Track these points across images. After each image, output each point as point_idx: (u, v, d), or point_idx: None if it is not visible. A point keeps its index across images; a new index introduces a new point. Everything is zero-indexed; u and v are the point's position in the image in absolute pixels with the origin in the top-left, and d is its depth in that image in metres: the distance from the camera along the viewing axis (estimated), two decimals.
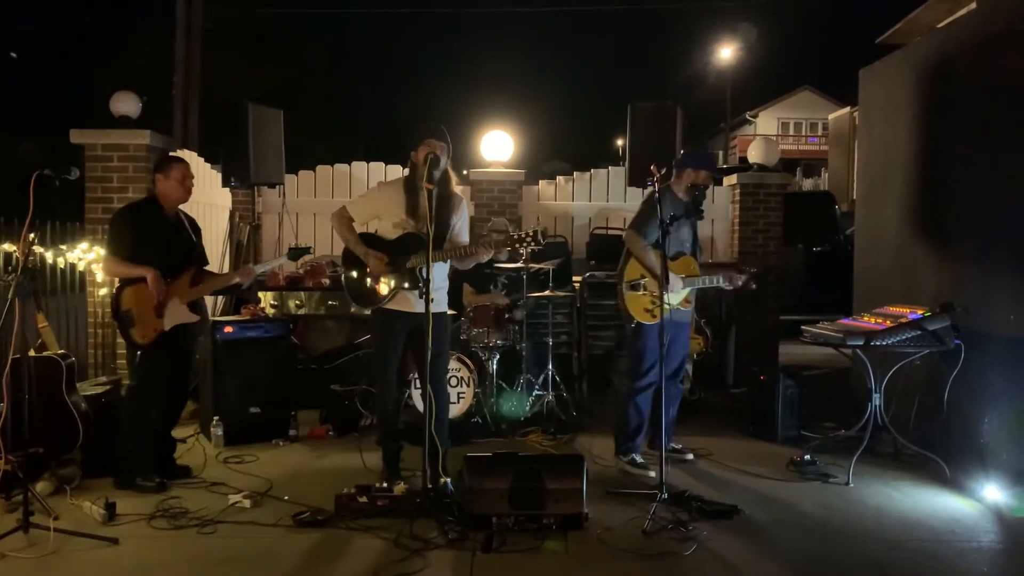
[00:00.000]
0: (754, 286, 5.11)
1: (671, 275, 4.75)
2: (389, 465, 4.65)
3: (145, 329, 4.49)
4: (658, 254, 4.74)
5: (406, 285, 4.41)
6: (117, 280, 4.65)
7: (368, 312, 4.68)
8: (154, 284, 4.44)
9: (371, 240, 4.57)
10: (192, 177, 4.70)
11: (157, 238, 4.56)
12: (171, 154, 5.62)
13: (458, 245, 4.48)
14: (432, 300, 4.17)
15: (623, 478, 4.79)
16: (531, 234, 4.23)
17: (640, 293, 4.84)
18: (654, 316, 4.76)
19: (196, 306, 4.65)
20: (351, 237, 4.57)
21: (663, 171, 4.75)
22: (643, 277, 4.84)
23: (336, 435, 5.66)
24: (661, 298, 4.44)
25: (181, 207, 4.76)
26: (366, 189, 7.97)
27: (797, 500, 4.46)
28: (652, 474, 4.76)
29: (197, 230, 4.88)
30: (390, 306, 4.50)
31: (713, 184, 5.28)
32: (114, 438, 4.66)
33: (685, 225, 4.93)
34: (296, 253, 4.95)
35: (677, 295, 4.85)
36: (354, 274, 4.57)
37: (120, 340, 6.06)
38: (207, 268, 4.83)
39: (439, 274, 4.51)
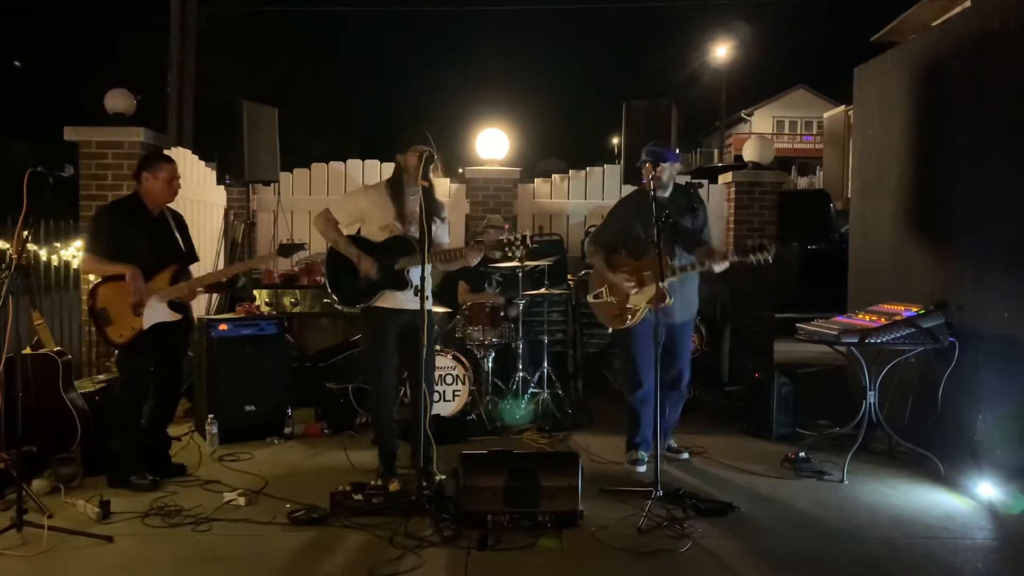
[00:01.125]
0: (755, 259, 4.46)
1: (618, 278, 4.81)
2: (386, 463, 4.66)
3: (122, 328, 4.43)
4: (599, 257, 4.94)
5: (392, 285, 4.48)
6: (93, 277, 4.61)
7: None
8: (133, 282, 4.38)
9: (358, 242, 4.59)
10: (179, 178, 4.65)
11: (139, 236, 4.49)
12: (161, 153, 5.53)
13: (443, 248, 4.56)
14: (417, 297, 4.22)
15: (618, 475, 4.79)
16: (520, 238, 4.31)
17: (603, 300, 4.95)
18: (623, 321, 4.84)
19: (177, 305, 4.59)
20: (340, 239, 4.59)
21: (659, 169, 4.75)
22: (602, 287, 4.96)
23: (331, 433, 5.66)
24: (658, 292, 4.40)
25: (168, 205, 4.70)
26: (361, 187, 7.98)
27: (792, 497, 4.46)
28: (640, 469, 4.82)
29: (184, 227, 4.81)
30: (380, 303, 4.53)
31: (685, 176, 5.00)
32: (109, 436, 4.65)
33: (650, 221, 4.58)
34: (287, 250, 4.84)
35: (640, 296, 4.75)
36: (338, 274, 4.60)
37: None
38: (207, 267, 4.83)
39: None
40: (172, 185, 4.59)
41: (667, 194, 4.86)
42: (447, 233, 4.75)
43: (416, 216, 4.33)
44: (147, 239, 4.52)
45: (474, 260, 4.52)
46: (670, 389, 4.95)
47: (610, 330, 5.09)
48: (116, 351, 4.56)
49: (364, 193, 4.81)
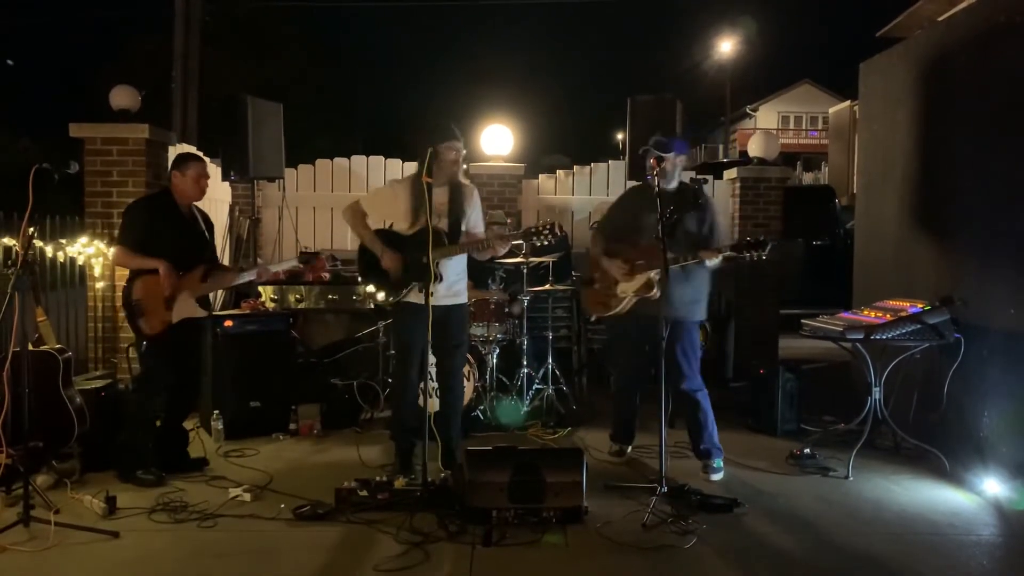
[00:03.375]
0: (750, 256, 4.36)
1: (611, 264, 4.77)
2: (402, 460, 4.67)
3: (152, 321, 4.49)
4: (598, 247, 4.91)
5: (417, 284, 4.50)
6: (127, 271, 4.65)
7: (370, 306, 4.74)
8: (166, 276, 4.45)
9: (388, 236, 4.64)
10: (207, 177, 4.75)
11: (170, 231, 4.59)
12: (190, 152, 5.57)
13: (475, 238, 4.58)
14: (449, 292, 4.33)
15: (622, 471, 4.79)
16: (549, 225, 4.33)
17: (594, 288, 4.94)
18: (607, 307, 4.83)
19: (203, 301, 4.68)
20: (366, 234, 4.65)
21: (663, 164, 4.73)
22: (595, 273, 4.96)
23: (322, 433, 5.56)
24: (662, 287, 4.42)
25: (195, 203, 4.80)
26: (365, 183, 8.00)
27: (796, 493, 4.46)
28: (715, 477, 4.68)
29: (211, 226, 4.92)
30: (410, 299, 4.56)
31: (675, 166, 4.78)
32: (113, 432, 4.66)
33: (653, 215, 4.55)
34: (306, 258, 5.10)
35: (629, 283, 4.69)
36: (371, 268, 4.65)
37: (121, 334, 6.07)
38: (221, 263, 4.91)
39: (456, 267, 4.61)
40: (200, 183, 4.68)
41: (672, 187, 4.75)
42: (482, 222, 4.76)
43: (443, 209, 4.40)
44: (177, 235, 4.61)
45: (502, 249, 4.56)
46: (671, 393, 4.82)
47: (592, 318, 5.12)
48: (143, 343, 4.57)
49: (391, 188, 4.86)
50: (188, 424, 5.57)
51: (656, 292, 4.52)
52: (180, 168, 4.66)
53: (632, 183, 7.72)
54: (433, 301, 4.35)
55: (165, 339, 4.52)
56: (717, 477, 4.68)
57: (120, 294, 4.82)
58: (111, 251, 5.44)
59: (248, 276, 4.88)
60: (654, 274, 4.53)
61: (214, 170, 7.25)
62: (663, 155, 4.65)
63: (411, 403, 4.70)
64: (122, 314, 4.90)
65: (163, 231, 4.56)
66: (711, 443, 4.75)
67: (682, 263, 4.52)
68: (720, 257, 4.51)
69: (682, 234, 4.67)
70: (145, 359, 4.64)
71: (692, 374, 4.75)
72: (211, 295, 6.80)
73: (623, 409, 5.06)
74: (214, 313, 5.73)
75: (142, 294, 4.50)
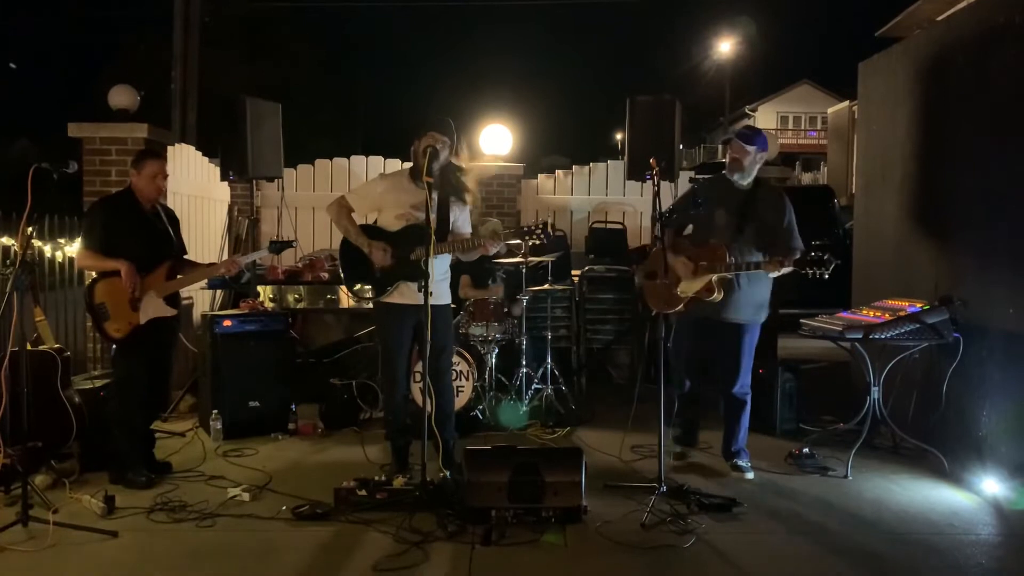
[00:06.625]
0: (813, 273, 4.30)
1: (679, 262, 4.57)
2: (399, 459, 4.67)
3: (119, 323, 4.41)
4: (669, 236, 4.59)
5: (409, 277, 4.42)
6: (92, 273, 4.58)
7: (369, 305, 4.68)
8: (128, 277, 4.36)
9: (373, 232, 4.56)
10: (166, 175, 4.61)
11: (132, 231, 4.47)
12: (153, 149, 5.45)
13: (462, 238, 4.49)
14: (432, 293, 4.18)
15: (622, 471, 4.79)
16: (540, 226, 4.27)
17: (656, 282, 4.63)
18: (669, 305, 4.56)
19: (172, 299, 4.59)
20: (352, 228, 4.54)
21: (662, 164, 4.73)
22: (658, 267, 4.66)
23: (325, 431, 5.59)
24: (661, 289, 4.41)
25: (159, 201, 4.68)
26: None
27: (795, 493, 4.46)
28: (750, 476, 4.66)
29: (175, 222, 4.79)
30: (393, 299, 4.50)
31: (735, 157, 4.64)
32: (110, 432, 4.65)
33: (720, 208, 4.61)
34: (277, 247, 4.90)
35: (691, 284, 4.54)
36: (353, 266, 4.56)
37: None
38: (187, 258, 4.77)
39: (440, 266, 4.52)
40: (156, 181, 4.55)
41: (746, 183, 4.68)
42: (469, 222, 4.66)
43: (434, 204, 4.26)
44: (140, 234, 4.50)
45: (493, 250, 4.46)
46: (720, 393, 4.88)
47: (653, 312, 4.85)
48: (113, 347, 4.52)
49: (382, 180, 4.78)
50: (188, 424, 5.61)
51: (717, 296, 4.47)
52: (136, 166, 4.55)
53: (631, 183, 7.75)
54: (417, 301, 4.32)
55: (133, 341, 4.43)
56: (751, 475, 4.68)
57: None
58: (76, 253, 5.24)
59: (219, 271, 4.72)
60: (716, 278, 4.43)
61: (213, 170, 7.27)
62: (746, 146, 4.60)
63: (399, 403, 4.70)
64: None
65: (123, 230, 4.45)
66: (743, 443, 4.81)
67: (744, 270, 4.46)
68: (783, 269, 4.40)
69: (752, 234, 4.59)
70: (117, 363, 4.55)
71: (748, 377, 4.79)
72: (207, 294, 6.85)
73: (688, 410, 5.04)
74: (213, 313, 5.75)
75: (105, 297, 4.41)
